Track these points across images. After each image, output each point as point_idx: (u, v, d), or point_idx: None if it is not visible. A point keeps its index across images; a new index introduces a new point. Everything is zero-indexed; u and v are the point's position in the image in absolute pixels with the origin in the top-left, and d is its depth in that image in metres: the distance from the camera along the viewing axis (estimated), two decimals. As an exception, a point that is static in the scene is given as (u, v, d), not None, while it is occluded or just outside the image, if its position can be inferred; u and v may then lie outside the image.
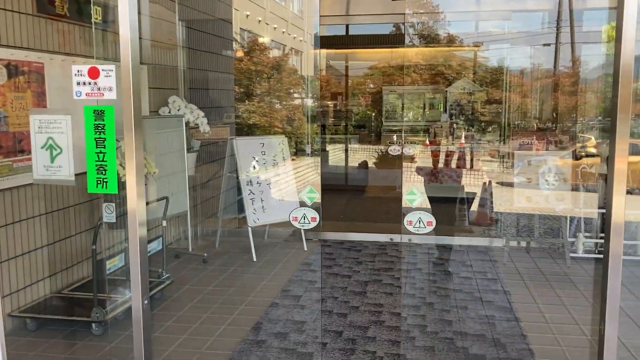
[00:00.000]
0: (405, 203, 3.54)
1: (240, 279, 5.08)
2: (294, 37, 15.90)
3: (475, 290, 4.72)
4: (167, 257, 5.67)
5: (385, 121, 16.03)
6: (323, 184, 9.21)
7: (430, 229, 3.19)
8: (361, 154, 14.90)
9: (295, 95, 12.55)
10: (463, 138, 14.09)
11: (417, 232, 3.46)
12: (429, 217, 3.23)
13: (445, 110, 15.31)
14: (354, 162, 10.81)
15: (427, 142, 8.95)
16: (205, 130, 6.11)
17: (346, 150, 9.99)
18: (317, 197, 3.74)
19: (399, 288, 4.81)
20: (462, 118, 14.71)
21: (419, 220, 3.31)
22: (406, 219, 3.44)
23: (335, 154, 10.71)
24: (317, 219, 3.67)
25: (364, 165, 11.62)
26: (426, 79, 16.83)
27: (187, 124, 6.08)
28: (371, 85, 18.58)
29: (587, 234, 5.53)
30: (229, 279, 5.09)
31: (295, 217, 3.66)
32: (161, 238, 4.64)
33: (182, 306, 4.40)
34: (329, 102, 15.19)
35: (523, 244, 6.01)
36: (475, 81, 15.56)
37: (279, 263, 5.54)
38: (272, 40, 13.98)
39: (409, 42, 17.70)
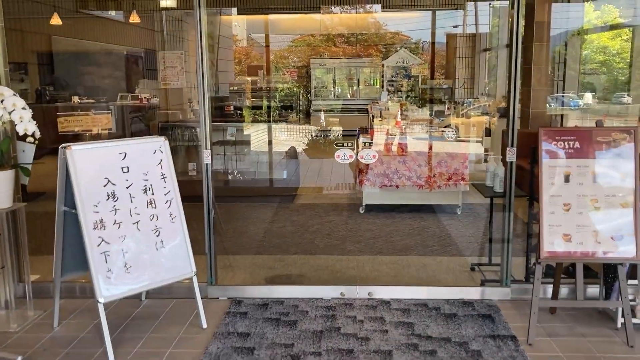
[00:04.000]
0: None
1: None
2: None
3: None
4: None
5: (315, 99, 13.59)
6: (233, 187, 6.73)
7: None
8: (287, 135, 12.45)
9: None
10: (399, 116, 11.76)
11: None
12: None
13: (382, 87, 13.05)
14: (278, 154, 8.24)
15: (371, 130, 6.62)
16: (28, 130, 3.45)
17: (270, 142, 7.48)
18: None
19: None
20: (402, 95, 12.51)
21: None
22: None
23: (256, 142, 8.16)
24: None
25: (292, 153, 9.06)
26: (360, 51, 14.48)
27: (-9, 120, 3.40)
28: (295, 59, 16.06)
29: (633, 283, 3.41)
30: None
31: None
32: None
33: None
34: (249, 78, 12.56)
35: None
36: (413, 52, 13.37)
37: (154, 367, 3.05)
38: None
39: (339, 9, 15.27)
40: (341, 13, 15.48)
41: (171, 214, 3.48)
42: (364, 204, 6.01)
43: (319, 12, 14.73)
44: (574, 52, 7.68)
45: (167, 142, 3.56)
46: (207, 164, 3.81)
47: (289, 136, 12.66)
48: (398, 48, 13.80)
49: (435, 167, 5.91)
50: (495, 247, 4.36)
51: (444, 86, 11.90)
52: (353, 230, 5.40)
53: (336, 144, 3.70)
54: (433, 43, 11.77)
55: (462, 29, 11.40)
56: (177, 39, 9.42)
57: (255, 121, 10.95)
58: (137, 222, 3.33)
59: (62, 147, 3.18)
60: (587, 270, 3.72)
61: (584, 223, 3.20)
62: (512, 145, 3.67)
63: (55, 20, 8.35)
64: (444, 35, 12.59)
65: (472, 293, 3.84)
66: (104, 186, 3.23)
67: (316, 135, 12.31)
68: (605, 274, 3.47)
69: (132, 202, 3.33)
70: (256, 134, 8.82)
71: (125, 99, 10.63)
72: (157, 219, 3.42)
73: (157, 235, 3.41)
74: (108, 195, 3.24)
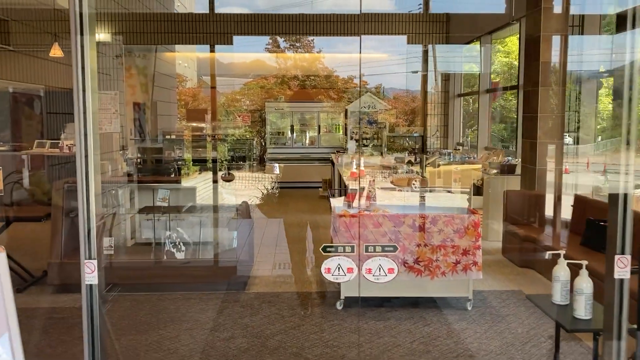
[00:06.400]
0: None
1: None
2: None
3: None
4: None
5: (270, 147, 11.99)
6: (164, 267, 4.97)
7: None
8: (239, 185, 10.75)
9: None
10: (362, 164, 10.15)
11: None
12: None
13: (345, 133, 11.60)
14: (227, 211, 6.45)
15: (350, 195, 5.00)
16: None
17: (215, 207, 5.76)
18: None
19: None
20: (369, 143, 11.09)
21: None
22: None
23: (198, 203, 6.40)
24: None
25: (244, 211, 7.23)
26: (320, 94, 13.08)
27: None
28: (248, 102, 14.51)
29: None
30: None
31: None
32: None
33: None
34: (194, 123, 10.87)
35: None
36: (377, 95, 12.05)
37: None
38: None
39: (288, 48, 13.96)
40: (296, 53, 14.13)
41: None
42: (342, 296, 4.35)
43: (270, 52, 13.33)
44: (589, 96, 6.42)
45: (3, 253, 1.82)
46: (89, 285, 2.08)
47: (242, 185, 10.95)
48: (360, 92, 12.51)
49: (438, 248, 4.34)
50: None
51: (414, 134, 10.57)
52: (331, 345, 3.71)
53: (325, 249, 2.08)
54: (425, 91, 10.45)
55: (433, 72, 10.17)
56: (108, 77, 7.68)
57: (199, 173, 9.23)
58: None
59: None
60: None
61: None
62: (623, 252, 2.13)
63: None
64: (411, 80, 11.37)
65: None
66: None
67: (272, 188, 10.67)
68: None
69: None
70: (201, 191, 7.05)
71: (43, 146, 8.71)
72: (-34, 420, 1.64)
73: None
74: None
